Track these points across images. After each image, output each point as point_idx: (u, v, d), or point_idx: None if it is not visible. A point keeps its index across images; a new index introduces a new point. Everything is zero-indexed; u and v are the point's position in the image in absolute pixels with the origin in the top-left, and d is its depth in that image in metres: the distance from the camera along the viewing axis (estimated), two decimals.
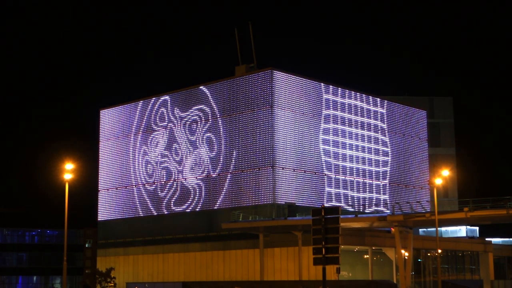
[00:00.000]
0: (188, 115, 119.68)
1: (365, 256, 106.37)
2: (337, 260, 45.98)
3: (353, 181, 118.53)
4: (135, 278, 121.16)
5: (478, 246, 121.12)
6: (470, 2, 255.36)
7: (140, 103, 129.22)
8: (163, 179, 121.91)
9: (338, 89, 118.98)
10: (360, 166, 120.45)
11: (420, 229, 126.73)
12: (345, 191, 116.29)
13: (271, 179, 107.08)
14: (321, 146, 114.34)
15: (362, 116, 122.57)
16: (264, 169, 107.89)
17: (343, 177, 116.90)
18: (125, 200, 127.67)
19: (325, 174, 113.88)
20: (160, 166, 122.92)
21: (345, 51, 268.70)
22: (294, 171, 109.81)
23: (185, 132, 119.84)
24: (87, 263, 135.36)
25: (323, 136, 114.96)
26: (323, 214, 46.48)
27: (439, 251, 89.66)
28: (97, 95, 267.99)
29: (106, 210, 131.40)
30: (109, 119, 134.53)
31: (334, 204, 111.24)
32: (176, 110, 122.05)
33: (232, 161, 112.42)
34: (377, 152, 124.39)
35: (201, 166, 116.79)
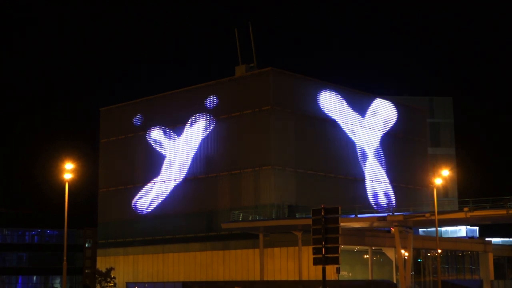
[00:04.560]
0: (188, 114, 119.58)
1: (365, 256, 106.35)
2: (337, 260, 45.93)
3: (353, 181, 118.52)
4: (135, 278, 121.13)
5: (478, 246, 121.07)
6: (471, 2, 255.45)
7: (140, 103, 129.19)
8: (163, 179, 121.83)
9: (338, 88, 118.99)
10: (360, 165, 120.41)
11: (420, 229, 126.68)
12: (345, 191, 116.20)
13: (271, 179, 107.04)
14: (321, 146, 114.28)
15: (362, 115, 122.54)
16: (264, 169, 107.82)
17: (343, 177, 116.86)
18: (125, 200, 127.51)
19: (325, 174, 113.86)
20: (160, 166, 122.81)
21: (345, 51, 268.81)
22: (294, 171, 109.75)
23: (185, 131, 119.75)
24: (87, 263, 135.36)
25: (323, 136, 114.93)
26: (323, 214, 46.44)
27: (439, 251, 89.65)
28: (97, 95, 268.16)
29: (106, 210, 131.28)
30: (109, 119, 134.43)
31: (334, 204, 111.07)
32: (176, 110, 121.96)
33: (232, 161, 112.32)
34: (377, 151, 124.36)
35: (201, 165, 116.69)
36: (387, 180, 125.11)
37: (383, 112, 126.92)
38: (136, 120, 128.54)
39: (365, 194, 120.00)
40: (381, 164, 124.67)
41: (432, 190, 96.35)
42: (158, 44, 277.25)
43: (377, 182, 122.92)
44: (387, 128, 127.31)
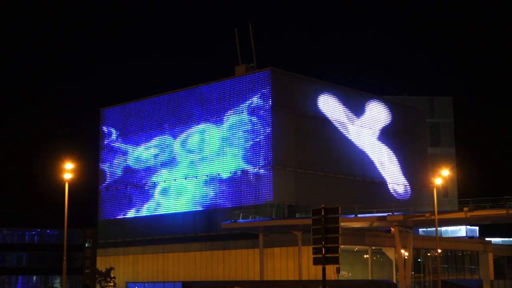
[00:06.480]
0: (188, 114, 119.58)
1: (365, 256, 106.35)
2: (337, 260, 45.89)
3: (353, 181, 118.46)
4: (135, 278, 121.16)
5: (478, 246, 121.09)
6: (471, 2, 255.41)
7: (140, 102, 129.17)
8: (163, 179, 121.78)
9: (338, 88, 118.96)
10: (360, 165, 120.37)
11: (420, 229, 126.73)
12: (345, 191, 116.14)
13: (271, 179, 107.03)
14: (321, 146, 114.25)
15: (362, 115, 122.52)
16: (264, 169, 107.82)
17: (343, 177, 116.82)
18: (125, 199, 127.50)
19: (325, 174, 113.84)
20: (160, 166, 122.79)
21: (345, 50, 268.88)
22: (294, 171, 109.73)
23: (185, 131, 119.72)
24: (87, 263, 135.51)
25: (323, 136, 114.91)
26: (323, 214, 46.41)
27: (439, 251, 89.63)
28: (97, 95, 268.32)
29: (106, 210, 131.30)
30: (109, 118, 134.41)
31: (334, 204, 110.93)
32: (176, 110, 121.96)
33: (232, 161, 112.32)
34: (376, 151, 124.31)
35: (201, 165, 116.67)
36: (387, 180, 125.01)
37: (382, 112, 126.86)
38: (136, 119, 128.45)
39: (364, 193, 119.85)
40: (381, 163, 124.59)
41: (432, 190, 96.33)
42: (158, 44, 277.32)
43: (377, 181, 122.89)
44: (387, 127, 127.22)
